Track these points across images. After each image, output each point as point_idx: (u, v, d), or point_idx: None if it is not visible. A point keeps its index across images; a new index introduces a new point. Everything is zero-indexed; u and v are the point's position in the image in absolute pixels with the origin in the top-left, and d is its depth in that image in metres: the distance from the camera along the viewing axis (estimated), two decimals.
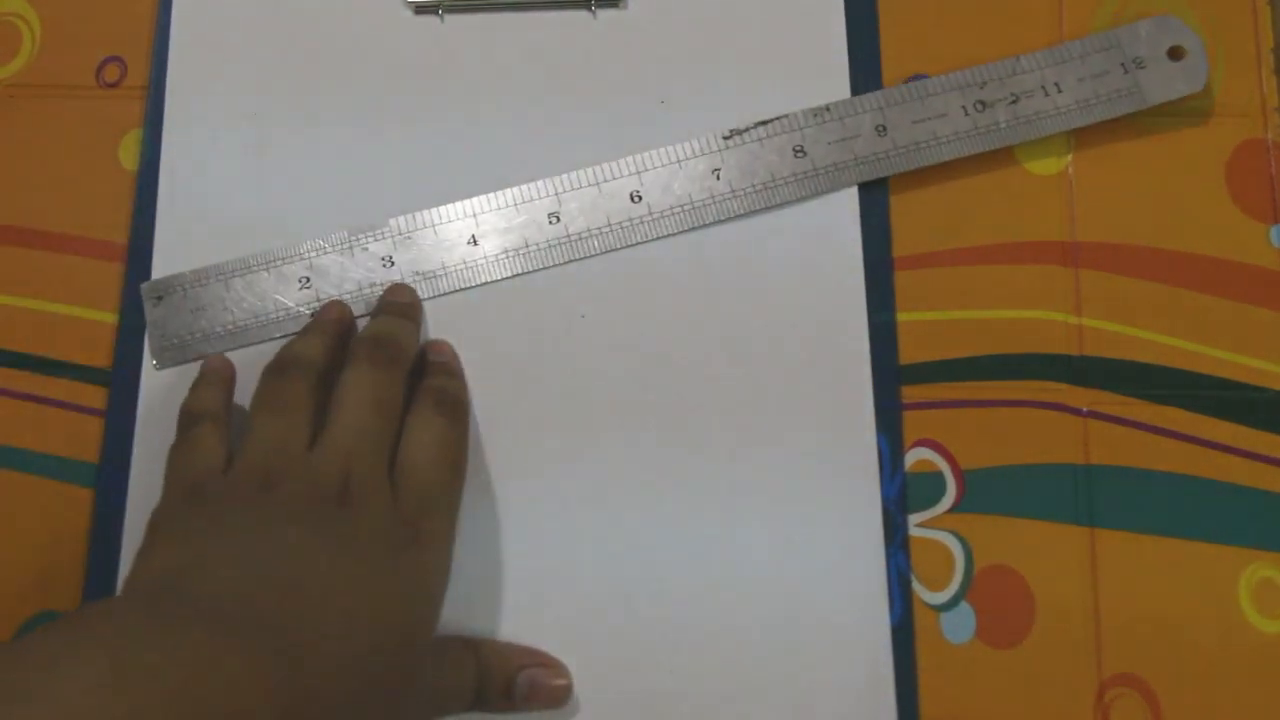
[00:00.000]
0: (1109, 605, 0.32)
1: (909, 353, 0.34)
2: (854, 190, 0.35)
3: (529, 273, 0.34)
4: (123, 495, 0.33)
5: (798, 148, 0.34)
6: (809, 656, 0.32)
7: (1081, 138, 0.36)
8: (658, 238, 0.34)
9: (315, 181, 0.35)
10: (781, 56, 0.36)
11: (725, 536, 0.32)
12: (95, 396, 0.34)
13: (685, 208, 0.34)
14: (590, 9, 0.37)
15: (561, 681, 0.31)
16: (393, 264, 0.34)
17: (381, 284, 0.34)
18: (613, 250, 0.34)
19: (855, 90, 0.35)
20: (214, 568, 0.26)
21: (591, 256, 0.34)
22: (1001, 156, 0.35)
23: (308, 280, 0.34)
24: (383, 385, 0.30)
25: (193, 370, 0.33)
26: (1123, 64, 0.35)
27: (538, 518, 0.33)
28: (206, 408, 0.31)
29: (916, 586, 0.32)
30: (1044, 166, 0.35)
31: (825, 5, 0.36)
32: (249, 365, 0.33)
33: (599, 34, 0.37)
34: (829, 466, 0.33)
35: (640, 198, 0.34)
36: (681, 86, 0.36)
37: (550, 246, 0.34)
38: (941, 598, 0.32)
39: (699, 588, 0.32)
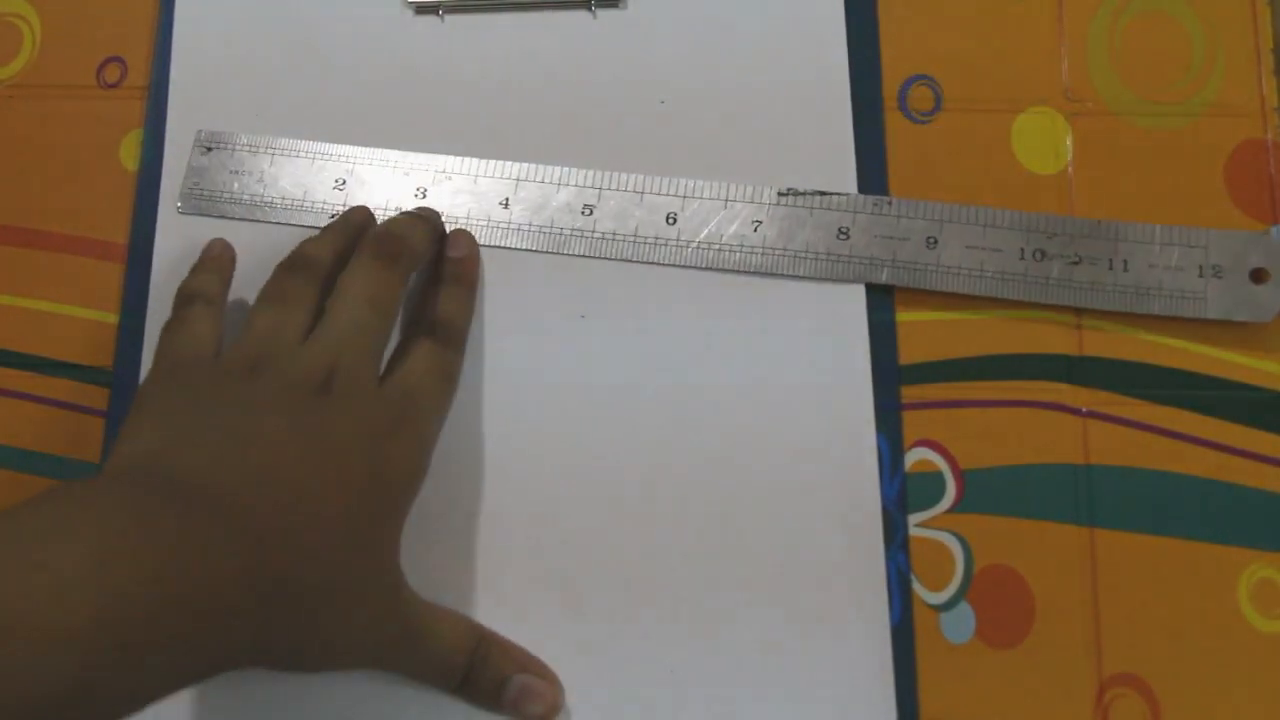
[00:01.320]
0: (1109, 605, 0.32)
1: (909, 353, 0.34)
2: (853, 190, 0.35)
3: (548, 252, 0.34)
4: None
5: (843, 229, 0.33)
6: (809, 656, 0.32)
7: (1081, 137, 0.36)
8: (677, 264, 0.34)
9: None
10: (781, 57, 0.36)
11: (724, 535, 0.32)
12: (96, 396, 0.34)
13: (714, 247, 0.34)
14: (590, 9, 0.37)
15: (554, 697, 0.31)
16: (425, 196, 0.34)
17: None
18: (628, 261, 0.34)
19: (855, 91, 0.35)
20: (192, 449, 0.27)
21: (609, 260, 0.34)
22: (1001, 156, 0.35)
23: (343, 182, 0.34)
24: (382, 282, 0.30)
25: (196, 255, 0.34)
26: (1200, 266, 0.33)
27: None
28: (202, 290, 0.32)
29: (916, 586, 0.32)
30: (1044, 166, 0.35)
31: (825, 5, 0.36)
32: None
33: (599, 34, 0.37)
34: (829, 466, 0.33)
35: (675, 220, 0.34)
36: (681, 86, 0.36)
37: (577, 236, 0.34)
38: (941, 598, 0.32)
39: (699, 580, 0.32)
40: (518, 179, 0.35)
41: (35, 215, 0.36)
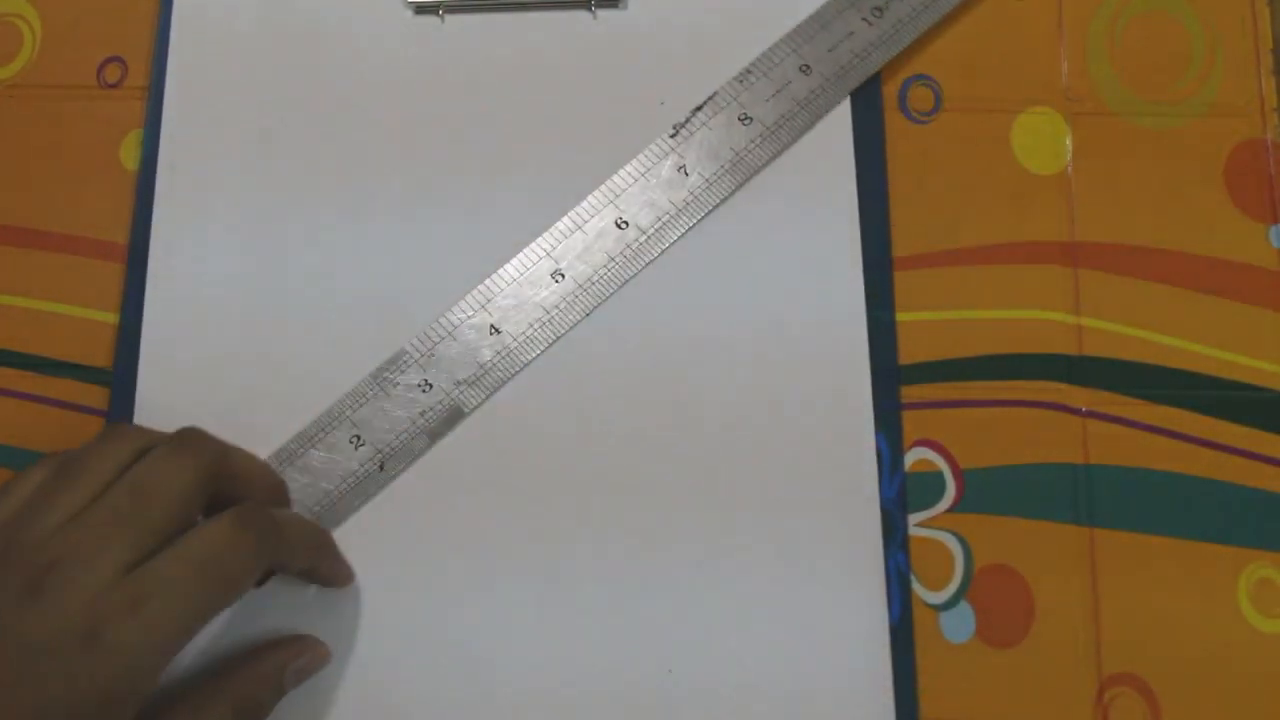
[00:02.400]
0: (1108, 605, 0.32)
1: (909, 353, 0.34)
2: (853, 190, 0.35)
3: (559, 337, 0.34)
4: None
5: (743, 116, 0.35)
6: (808, 656, 0.32)
7: (1081, 138, 0.36)
8: (660, 254, 0.34)
9: (315, 178, 0.35)
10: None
11: (724, 535, 0.32)
12: (95, 396, 0.34)
13: (670, 214, 0.34)
14: (590, 9, 0.37)
15: (321, 650, 0.31)
16: (430, 387, 0.33)
17: (431, 408, 0.33)
18: (626, 283, 0.34)
19: (855, 91, 0.35)
20: None
21: (608, 299, 0.34)
22: (1001, 156, 0.35)
23: (359, 439, 0.33)
24: (164, 471, 0.27)
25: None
26: None
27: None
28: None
29: (916, 586, 0.32)
30: (1044, 166, 0.35)
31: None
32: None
33: (599, 34, 0.37)
34: (829, 466, 0.33)
35: (626, 223, 0.34)
36: (681, 87, 0.36)
37: (565, 305, 0.34)
38: (941, 597, 0.32)
39: (697, 586, 0.32)
40: (485, 304, 0.34)
41: (35, 215, 0.36)
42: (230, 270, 0.35)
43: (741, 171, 0.35)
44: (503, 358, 0.33)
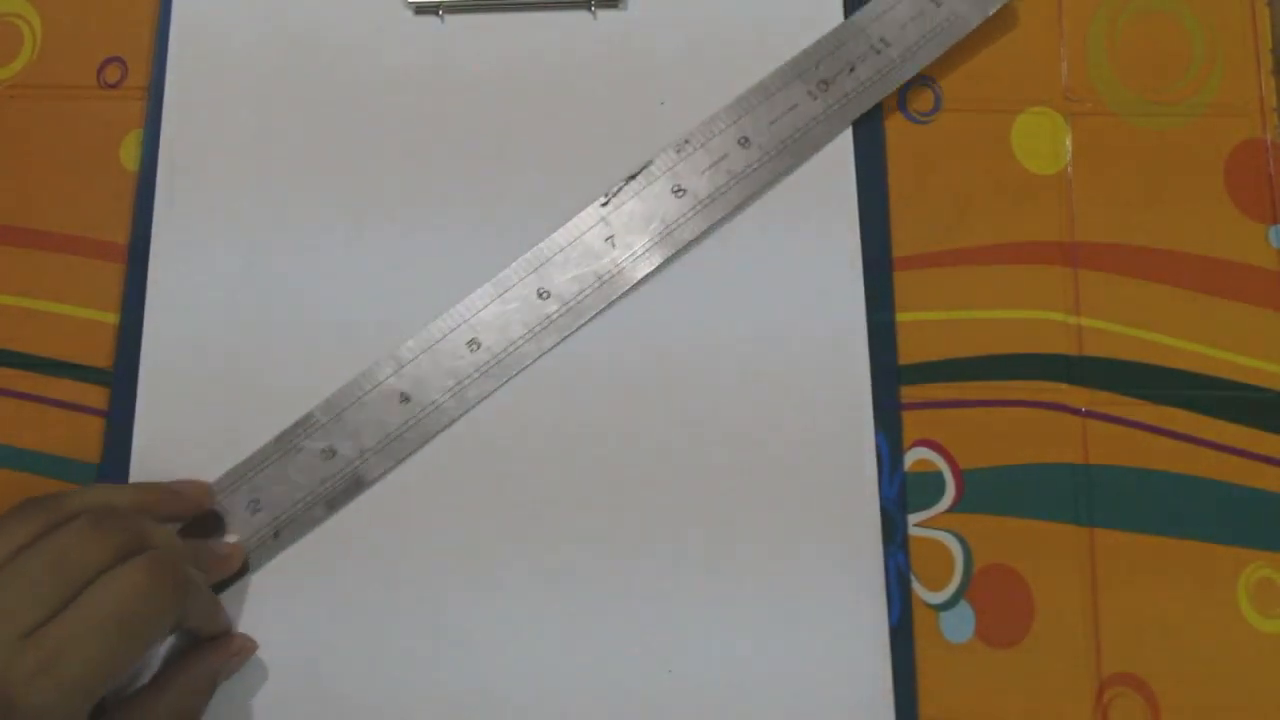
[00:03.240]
0: (1108, 605, 0.32)
1: (908, 353, 0.34)
2: (853, 191, 0.35)
3: (469, 408, 0.33)
4: None
5: (676, 188, 0.34)
6: (808, 655, 0.32)
7: (1081, 138, 0.36)
8: (578, 328, 0.33)
9: (316, 178, 0.35)
10: (781, 58, 0.36)
11: (724, 535, 0.32)
12: (95, 396, 0.34)
13: (594, 286, 0.33)
14: (590, 9, 0.37)
15: (248, 645, 0.31)
16: (334, 454, 0.32)
17: (333, 476, 0.32)
18: (542, 355, 0.34)
19: None
20: None
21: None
22: (1001, 156, 0.36)
23: (257, 503, 0.32)
24: (76, 545, 0.27)
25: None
26: (932, 0, 0.35)
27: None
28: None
29: (916, 586, 0.32)
30: (1043, 166, 0.35)
31: (825, 6, 0.36)
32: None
33: (599, 34, 0.37)
34: (829, 466, 0.33)
35: (547, 294, 0.33)
36: (681, 87, 0.36)
37: (479, 375, 0.33)
38: (941, 597, 0.32)
39: (697, 586, 0.32)
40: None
41: (35, 215, 0.36)
42: (230, 270, 0.35)
43: (671, 244, 0.34)
44: (411, 427, 0.33)
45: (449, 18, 0.37)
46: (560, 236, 0.34)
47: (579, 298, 0.33)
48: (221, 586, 0.32)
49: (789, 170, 0.34)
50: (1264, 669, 0.32)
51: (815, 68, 0.35)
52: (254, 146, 0.36)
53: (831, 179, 0.35)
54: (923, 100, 0.36)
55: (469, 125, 0.36)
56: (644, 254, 0.33)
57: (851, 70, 0.35)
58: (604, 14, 0.37)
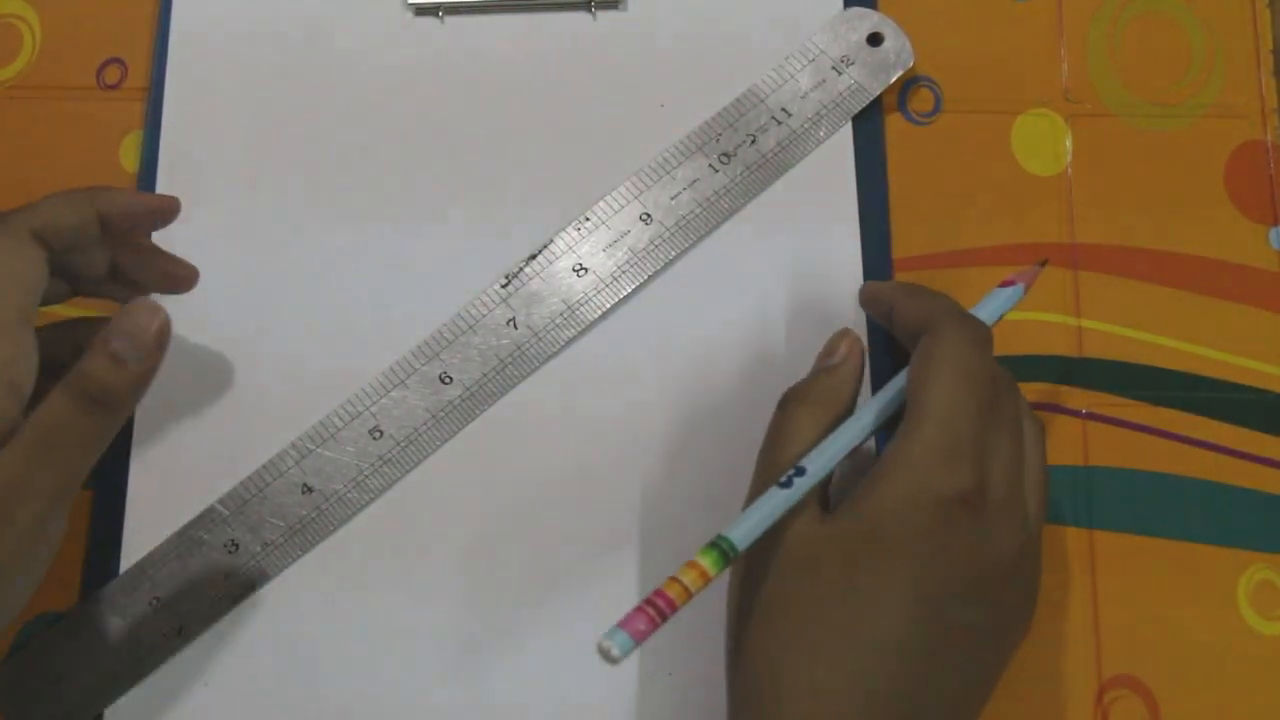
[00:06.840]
0: (1108, 606, 0.32)
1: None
2: (852, 191, 0.35)
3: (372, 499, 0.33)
4: (122, 495, 0.33)
5: (577, 267, 0.34)
6: None
7: (1081, 139, 0.36)
8: (480, 413, 0.33)
9: (315, 177, 0.35)
10: (780, 58, 0.36)
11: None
12: None
13: (495, 368, 0.33)
14: (590, 10, 0.37)
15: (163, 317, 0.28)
16: (237, 548, 0.32)
17: (235, 571, 0.32)
18: (450, 439, 0.33)
19: None
20: None
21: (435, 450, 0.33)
22: (1001, 157, 0.36)
23: (158, 600, 0.31)
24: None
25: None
26: (834, 68, 0.35)
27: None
28: None
29: None
30: (1043, 167, 0.35)
31: (824, 7, 0.36)
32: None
33: (599, 35, 0.37)
34: None
35: (450, 378, 0.33)
36: (681, 89, 0.36)
37: (380, 464, 0.32)
38: None
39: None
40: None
41: None
42: (230, 270, 0.35)
43: (575, 324, 0.33)
44: (314, 519, 0.32)
45: (449, 18, 0.37)
46: (461, 319, 0.33)
47: (481, 382, 0.33)
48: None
49: (694, 245, 0.34)
50: (1264, 671, 0.32)
51: (716, 140, 0.34)
52: (254, 148, 0.36)
53: (831, 179, 0.35)
54: (923, 101, 0.36)
55: (469, 126, 0.36)
56: (545, 333, 0.33)
57: (753, 142, 0.34)
58: (604, 14, 0.37)
